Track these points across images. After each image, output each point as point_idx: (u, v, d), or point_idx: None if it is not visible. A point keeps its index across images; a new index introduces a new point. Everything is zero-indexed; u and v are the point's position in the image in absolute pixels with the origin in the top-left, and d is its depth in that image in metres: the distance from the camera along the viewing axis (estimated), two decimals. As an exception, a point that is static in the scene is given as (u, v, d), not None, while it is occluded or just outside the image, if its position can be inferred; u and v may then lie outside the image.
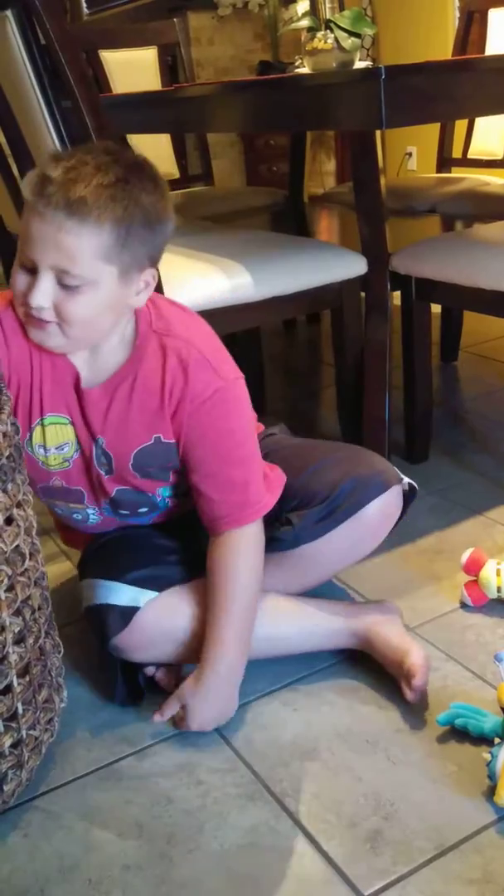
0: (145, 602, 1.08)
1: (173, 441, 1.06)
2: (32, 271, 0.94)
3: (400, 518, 1.20)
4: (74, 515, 1.17)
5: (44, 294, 0.93)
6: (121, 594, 1.09)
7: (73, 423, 1.07)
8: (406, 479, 1.19)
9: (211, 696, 1.06)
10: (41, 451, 1.08)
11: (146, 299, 1.01)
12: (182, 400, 1.03)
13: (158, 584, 1.10)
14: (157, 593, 1.09)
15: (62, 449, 1.08)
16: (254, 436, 1.10)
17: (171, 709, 1.08)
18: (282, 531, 1.15)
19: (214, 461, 1.06)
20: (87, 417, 1.06)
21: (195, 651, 1.10)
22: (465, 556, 1.27)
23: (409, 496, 1.20)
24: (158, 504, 1.15)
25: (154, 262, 1.00)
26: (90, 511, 1.15)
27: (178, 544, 1.18)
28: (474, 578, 1.26)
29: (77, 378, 1.04)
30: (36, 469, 1.10)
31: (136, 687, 1.15)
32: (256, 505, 1.08)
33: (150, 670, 1.16)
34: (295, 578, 1.18)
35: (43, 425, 1.06)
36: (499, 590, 1.24)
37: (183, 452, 1.07)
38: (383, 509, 1.15)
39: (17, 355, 1.02)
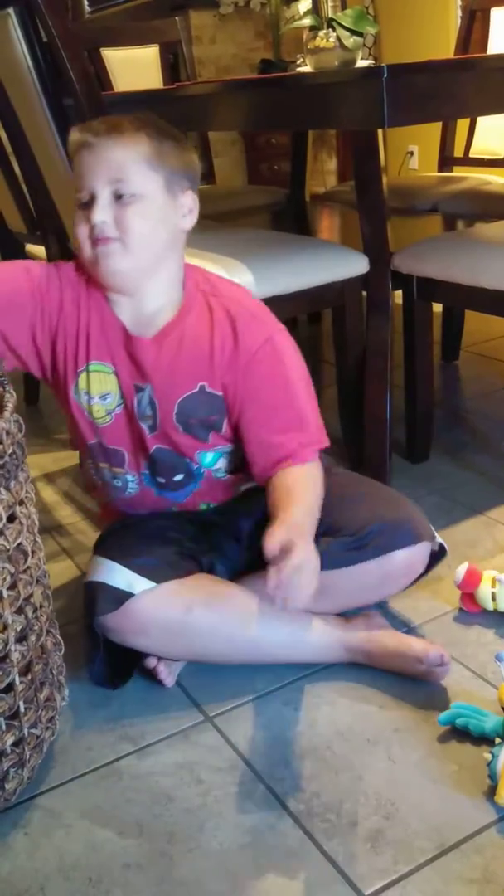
0: (140, 591, 1.09)
1: (220, 393, 1.11)
2: (89, 205, 1.03)
3: (423, 575, 1.19)
4: (115, 482, 1.19)
5: (103, 208, 1.03)
6: (119, 577, 1.10)
7: (116, 374, 1.11)
8: (438, 539, 1.18)
9: (305, 530, 1.00)
10: (86, 398, 1.13)
11: (191, 224, 1.10)
12: (234, 354, 1.09)
13: (158, 576, 1.10)
14: (154, 584, 1.09)
15: (105, 399, 1.13)
16: (307, 377, 1.14)
17: (276, 541, 0.96)
18: None
19: (273, 407, 1.09)
20: (134, 366, 1.11)
21: (184, 644, 1.11)
22: (459, 573, 1.24)
23: (436, 555, 1.19)
24: (195, 473, 1.17)
25: (193, 187, 1.10)
26: (129, 478, 1.18)
27: (191, 544, 1.18)
28: (470, 593, 1.26)
29: (125, 330, 1.11)
30: (83, 422, 1.15)
31: (116, 671, 1.16)
32: (316, 442, 1.12)
33: (151, 661, 1.15)
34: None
35: (88, 371, 1.12)
36: (495, 609, 1.23)
37: (239, 405, 1.11)
38: (409, 561, 1.14)
39: (69, 303, 1.11)
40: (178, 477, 1.17)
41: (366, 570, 1.14)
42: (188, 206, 1.09)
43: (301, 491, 1.08)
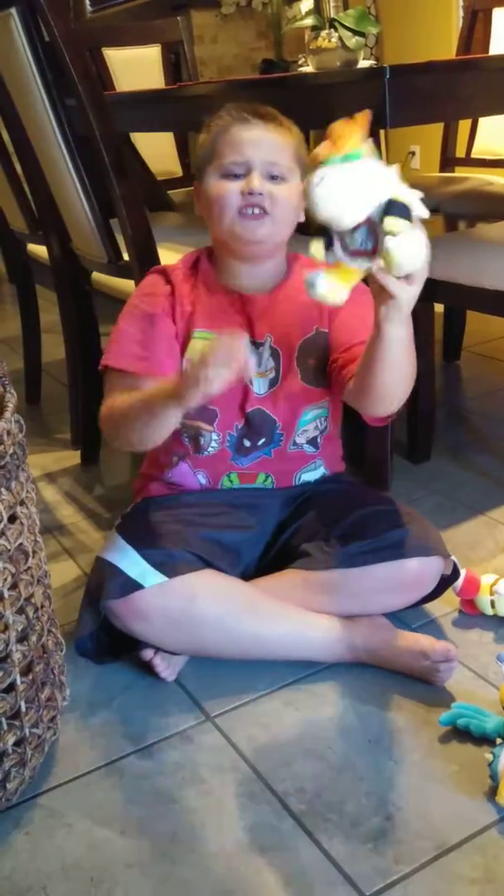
0: (151, 584, 1.10)
1: (326, 330, 1.21)
2: (239, 176, 1.12)
3: (430, 597, 1.20)
4: (200, 438, 1.22)
5: (260, 181, 1.11)
6: (133, 564, 1.11)
7: None
8: (453, 558, 1.19)
9: None
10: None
11: (301, 216, 1.16)
12: None
13: (171, 570, 1.11)
14: (165, 578, 1.10)
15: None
16: None
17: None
18: (319, 546, 1.17)
19: (361, 328, 1.12)
20: (252, 324, 1.19)
21: (187, 635, 1.12)
22: (458, 581, 1.23)
23: (447, 580, 1.20)
24: (274, 438, 1.22)
25: None
26: (214, 436, 1.21)
27: (209, 543, 1.18)
28: (469, 599, 1.26)
29: (239, 295, 1.20)
30: None
31: (104, 648, 1.18)
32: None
33: (147, 653, 1.16)
34: (313, 603, 1.16)
35: (194, 339, 1.18)
36: (495, 614, 1.23)
37: (337, 326, 1.20)
38: (421, 570, 1.15)
39: (177, 289, 1.20)
40: (261, 441, 1.22)
41: (377, 573, 1.14)
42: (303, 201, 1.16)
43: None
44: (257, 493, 1.25)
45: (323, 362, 1.21)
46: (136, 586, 1.10)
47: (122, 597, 1.10)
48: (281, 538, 1.25)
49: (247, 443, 1.21)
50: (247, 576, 1.22)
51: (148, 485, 1.29)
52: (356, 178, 0.88)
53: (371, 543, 1.14)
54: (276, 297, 1.20)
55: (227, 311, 1.19)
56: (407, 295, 0.92)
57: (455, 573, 1.21)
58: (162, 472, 1.27)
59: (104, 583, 1.11)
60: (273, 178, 1.12)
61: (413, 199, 0.88)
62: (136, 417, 1.07)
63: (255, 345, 1.19)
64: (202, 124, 1.18)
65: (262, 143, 1.12)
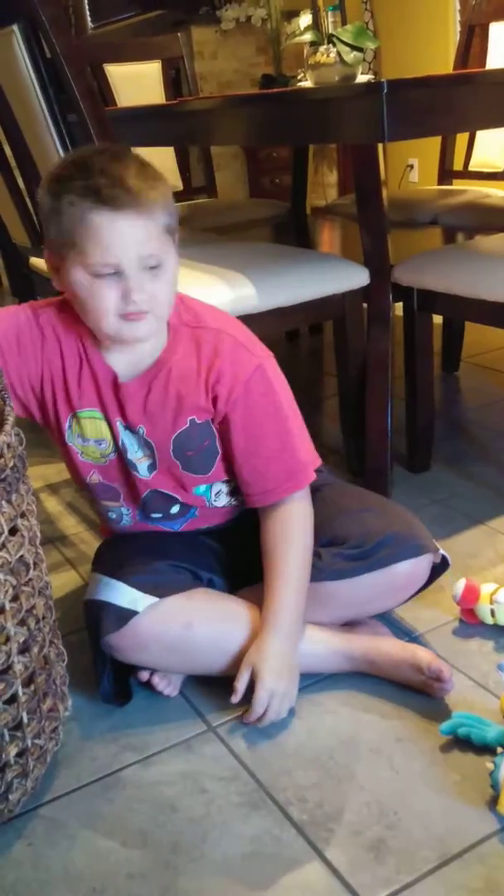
0: (144, 607, 1.09)
1: (207, 420, 1.11)
2: (113, 274, 0.98)
3: (424, 587, 1.20)
4: (110, 514, 1.20)
5: (140, 285, 0.99)
6: (122, 595, 1.10)
7: (106, 420, 1.11)
8: (441, 551, 1.19)
9: (275, 659, 1.08)
10: (80, 440, 1.13)
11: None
12: (220, 385, 1.07)
13: (161, 591, 1.11)
14: (157, 599, 1.10)
15: (100, 444, 1.13)
16: (295, 406, 1.15)
17: (243, 680, 1.09)
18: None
19: (263, 436, 1.10)
20: (124, 410, 1.10)
21: (185, 659, 1.12)
22: (458, 589, 1.24)
23: (438, 569, 1.20)
24: (190, 506, 1.18)
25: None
26: (124, 511, 1.19)
27: (192, 555, 1.19)
28: (469, 608, 1.26)
29: (114, 375, 1.09)
30: (80, 463, 1.15)
31: (124, 687, 1.16)
32: (306, 471, 1.13)
33: (143, 675, 1.16)
34: (308, 612, 1.15)
35: (78, 418, 1.12)
36: (495, 623, 1.24)
37: (228, 434, 1.10)
38: (412, 572, 1.15)
39: (50, 352, 1.09)
40: (174, 510, 1.18)
41: (368, 581, 1.14)
42: (178, 265, 1.06)
43: (289, 550, 1.12)
44: (210, 529, 1.23)
45: (205, 452, 1.13)
46: (130, 614, 1.09)
47: (121, 628, 1.08)
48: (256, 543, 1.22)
49: (156, 515, 1.18)
50: (233, 582, 1.21)
51: (109, 529, 1.28)
52: None
53: (358, 554, 1.13)
54: (149, 383, 1.09)
55: (107, 391, 1.10)
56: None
57: (444, 562, 1.20)
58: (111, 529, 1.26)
59: (100, 622, 1.09)
60: (151, 268, 0.99)
61: None
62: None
63: (131, 430, 1.11)
64: (42, 182, 1.02)
65: (131, 238, 0.97)
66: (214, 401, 1.08)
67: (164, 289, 1.02)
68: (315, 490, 1.23)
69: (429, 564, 1.17)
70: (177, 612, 1.10)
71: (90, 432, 1.12)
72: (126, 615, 1.09)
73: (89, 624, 1.12)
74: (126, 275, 0.98)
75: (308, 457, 1.14)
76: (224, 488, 1.19)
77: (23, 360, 1.08)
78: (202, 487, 1.16)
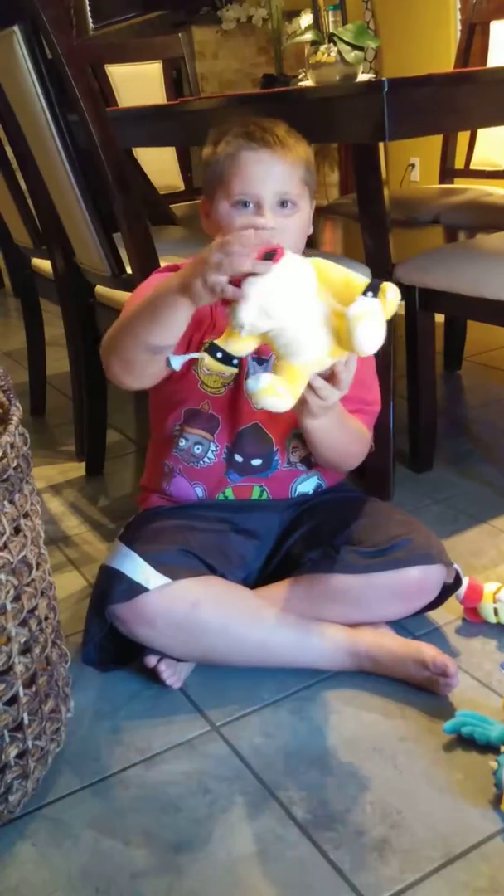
0: (156, 586, 1.10)
1: None
2: (251, 207, 1.10)
3: (432, 605, 1.20)
4: (196, 448, 1.22)
5: (272, 216, 1.09)
6: (138, 569, 1.12)
7: None
8: (456, 567, 1.20)
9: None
10: (205, 371, 1.19)
11: (310, 231, 1.17)
12: None
13: (174, 573, 1.12)
14: (169, 580, 1.11)
15: (223, 373, 1.17)
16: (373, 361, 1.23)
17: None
18: (324, 552, 1.17)
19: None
20: None
21: (191, 640, 1.12)
22: (461, 589, 1.24)
23: (450, 588, 1.20)
24: (273, 461, 1.22)
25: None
26: (212, 447, 1.21)
27: (218, 556, 1.19)
28: (473, 608, 1.26)
29: None
30: (193, 391, 1.21)
31: (109, 656, 1.18)
32: (377, 404, 1.25)
33: (151, 660, 1.16)
34: (315, 609, 1.17)
35: (206, 350, 1.17)
36: (498, 622, 1.24)
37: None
38: (424, 579, 1.16)
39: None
40: (257, 462, 1.22)
41: (379, 581, 1.15)
42: (311, 215, 1.18)
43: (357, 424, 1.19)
44: (255, 505, 1.26)
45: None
46: (140, 589, 1.10)
47: (128, 601, 1.10)
48: (283, 547, 1.26)
49: (238, 458, 1.21)
50: (249, 584, 1.23)
51: (148, 497, 1.30)
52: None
53: (373, 552, 1.15)
54: None
55: None
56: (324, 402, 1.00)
57: (457, 581, 1.21)
58: (160, 485, 1.28)
59: (109, 589, 1.12)
60: (283, 205, 1.11)
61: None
62: (137, 324, 1.02)
63: (260, 361, 1.19)
64: (208, 137, 1.17)
65: (271, 173, 1.10)
66: None
67: (296, 224, 1.12)
68: (334, 491, 1.28)
69: (440, 577, 1.18)
70: (186, 594, 1.12)
71: (214, 365, 1.15)
72: (136, 589, 1.10)
73: (98, 588, 1.15)
74: (263, 206, 1.09)
75: (377, 398, 1.25)
76: (301, 448, 1.23)
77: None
78: (292, 440, 1.22)
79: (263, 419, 1.20)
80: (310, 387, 0.98)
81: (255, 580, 1.25)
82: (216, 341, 0.94)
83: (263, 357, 1.17)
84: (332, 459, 1.21)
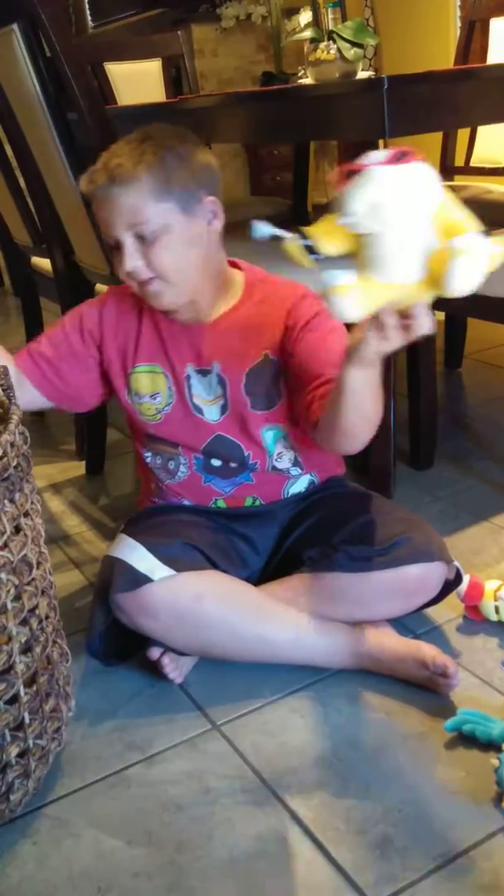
0: (160, 577, 1.10)
1: (278, 357, 1.17)
2: (118, 248, 1.08)
3: (433, 602, 1.20)
4: (169, 464, 1.24)
5: (131, 255, 1.07)
6: (142, 559, 1.12)
7: (165, 373, 1.20)
8: (456, 564, 1.20)
9: None
10: (136, 398, 1.22)
11: (221, 226, 1.14)
12: (295, 323, 1.15)
13: (179, 565, 1.12)
14: (174, 572, 1.11)
15: (155, 398, 1.20)
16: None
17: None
18: (323, 551, 1.17)
19: (328, 361, 1.11)
20: (200, 350, 1.18)
21: (192, 632, 1.12)
22: (462, 586, 1.24)
23: (450, 584, 1.20)
24: (248, 464, 1.21)
25: (211, 190, 1.12)
26: (182, 460, 1.22)
27: (219, 552, 1.20)
28: (474, 605, 1.26)
29: (184, 325, 1.18)
30: (137, 419, 1.24)
31: (113, 649, 1.19)
32: None
33: (154, 653, 1.16)
34: (316, 608, 1.17)
35: (135, 373, 1.21)
36: (499, 620, 1.24)
37: (297, 363, 1.15)
38: (423, 576, 1.15)
39: (111, 318, 1.22)
40: (233, 464, 1.21)
41: (379, 579, 1.14)
42: (211, 213, 1.12)
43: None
44: (251, 512, 1.26)
45: (273, 389, 1.18)
46: (145, 580, 1.10)
47: (131, 590, 1.10)
48: (284, 545, 1.26)
49: (215, 462, 1.22)
50: (252, 582, 1.22)
51: (146, 501, 1.31)
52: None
53: (374, 550, 1.15)
54: (222, 323, 1.18)
55: (175, 338, 1.19)
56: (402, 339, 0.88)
57: (458, 578, 1.21)
58: (151, 498, 1.29)
59: (113, 578, 1.12)
60: (144, 237, 1.06)
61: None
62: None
63: (203, 372, 1.19)
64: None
65: (114, 212, 1.06)
66: (288, 331, 1.16)
67: (167, 255, 1.07)
68: (332, 487, 1.28)
69: (441, 574, 1.17)
70: (189, 587, 1.12)
71: (146, 388, 1.19)
72: (141, 579, 1.10)
73: (101, 578, 1.15)
74: (123, 247, 1.07)
75: None
76: (286, 453, 1.22)
77: (83, 359, 1.22)
78: (269, 434, 1.20)
79: (223, 429, 1.20)
80: (376, 321, 0.86)
81: (258, 579, 1.25)
82: (307, 228, 0.85)
83: (205, 368, 1.18)
84: (353, 430, 1.05)
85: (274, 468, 1.23)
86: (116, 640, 1.18)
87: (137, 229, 1.06)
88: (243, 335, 1.17)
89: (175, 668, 1.16)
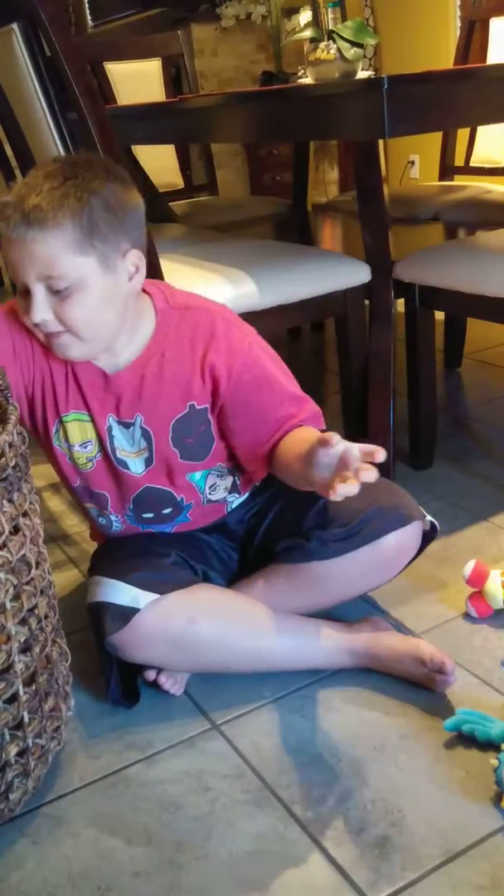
0: (146, 603, 1.09)
1: (206, 406, 1.11)
2: (26, 293, 0.99)
3: (417, 555, 1.20)
4: (100, 520, 1.21)
5: (40, 307, 0.98)
6: (123, 594, 1.10)
7: (93, 420, 1.11)
8: (429, 517, 1.19)
9: None
10: (66, 446, 1.14)
11: (141, 282, 1.05)
12: (216, 362, 1.08)
13: (161, 588, 1.10)
14: (158, 595, 1.10)
15: (86, 447, 1.13)
16: (285, 368, 1.14)
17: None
18: (296, 542, 1.16)
19: (265, 409, 1.09)
20: (119, 401, 1.10)
21: (189, 655, 1.12)
22: (467, 569, 1.25)
23: (429, 535, 1.20)
24: (182, 506, 1.17)
25: (135, 244, 1.03)
26: (114, 517, 1.19)
27: (186, 547, 1.19)
28: (478, 590, 1.26)
29: (102, 373, 1.09)
30: (66, 468, 1.16)
31: (131, 688, 1.16)
32: (307, 400, 1.13)
33: (150, 675, 1.16)
34: (302, 597, 1.17)
35: (64, 422, 1.12)
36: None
37: (230, 413, 1.10)
38: (401, 543, 1.15)
39: (40, 356, 1.09)
40: (167, 511, 1.18)
41: (359, 557, 1.14)
42: (133, 268, 1.03)
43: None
44: (203, 530, 1.24)
45: (202, 438, 1.13)
46: (132, 612, 1.08)
47: (123, 626, 1.08)
48: (253, 543, 1.24)
49: (147, 515, 1.18)
50: (230, 575, 1.22)
51: (97, 535, 1.30)
52: None
53: (347, 531, 1.13)
54: (142, 369, 1.09)
55: (96, 388, 1.10)
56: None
57: (433, 529, 1.20)
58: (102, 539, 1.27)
59: (103, 622, 1.09)
60: (57, 292, 0.97)
61: None
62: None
63: (125, 425, 1.11)
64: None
65: (28, 256, 0.95)
66: (215, 382, 1.08)
67: (78, 312, 0.98)
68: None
69: (418, 532, 1.17)
70: (179, 608, 1.10)
71: (76, 436, 1.13)
72: (128, 613, 1.08)
73: (93, 626, 1.12)
74: (31, 296, 0.98)
75: (303, 394, 1.14)
76: (220, 483, 1.19)
77: (17, 366, 1.09)
78: (197, 475, 1.16)
79: (149, 480, 1.14)
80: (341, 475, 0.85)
81: (239, 570, 1.24)
82: None
83: (127, 421, 1.11)
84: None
85: (209, 501, 1.20)
86: (133, 677, 1.17)
87: (50, 282, 0.96)
88: (163, 384, 1.09)
89: (174, 684, 1.16)
